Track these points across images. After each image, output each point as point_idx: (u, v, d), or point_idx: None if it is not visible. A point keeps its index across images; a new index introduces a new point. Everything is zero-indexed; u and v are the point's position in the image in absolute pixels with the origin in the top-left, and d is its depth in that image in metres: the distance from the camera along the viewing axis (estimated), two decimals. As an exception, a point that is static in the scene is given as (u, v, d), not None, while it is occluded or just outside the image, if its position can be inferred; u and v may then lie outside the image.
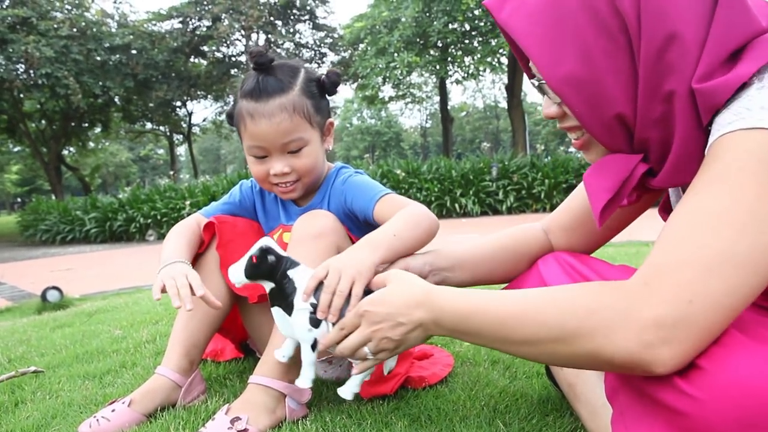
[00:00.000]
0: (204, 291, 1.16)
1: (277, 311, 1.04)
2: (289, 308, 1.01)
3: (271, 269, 1.01)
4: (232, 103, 1.38)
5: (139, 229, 11.52)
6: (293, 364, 1.15)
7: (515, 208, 10.85)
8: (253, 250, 1.02)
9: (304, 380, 1.04)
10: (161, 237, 10.74)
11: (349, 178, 1.40)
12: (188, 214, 11.17)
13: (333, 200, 1.41)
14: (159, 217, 11.37)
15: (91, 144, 27.23)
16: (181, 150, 43.52)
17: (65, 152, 25.03)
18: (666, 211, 0.96)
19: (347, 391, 1.03)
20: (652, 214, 1.09)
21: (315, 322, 1.00)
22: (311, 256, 1.22)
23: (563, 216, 1.21)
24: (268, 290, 1.04)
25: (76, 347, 1.86)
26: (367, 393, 1.25)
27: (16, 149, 28.95)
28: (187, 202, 11.15)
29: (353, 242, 1.31)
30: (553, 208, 10.99)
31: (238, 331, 1.55)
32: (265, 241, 1.03)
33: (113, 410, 1.20)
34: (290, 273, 1.01)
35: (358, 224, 1.38)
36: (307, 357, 1.03)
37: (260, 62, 1.29)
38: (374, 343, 0.91)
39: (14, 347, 1.95)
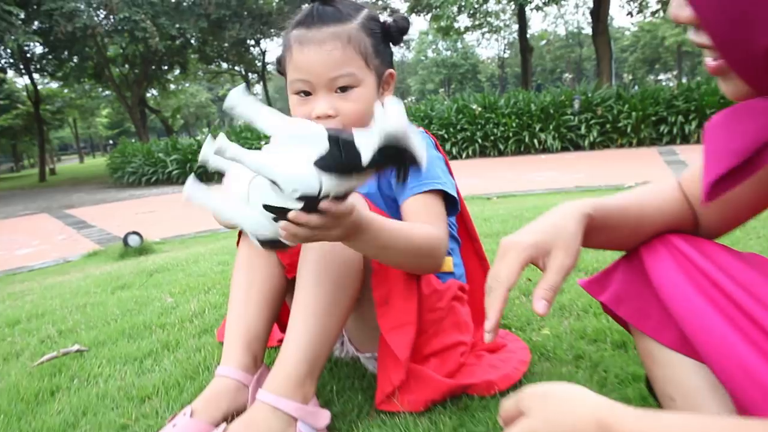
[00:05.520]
0: None
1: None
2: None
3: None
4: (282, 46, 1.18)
5: (218, 170, 11.73)
6: (307, 377, 0.99)
7: (599, 143, 10.21)
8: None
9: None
10: (238, 178, 10.95)
11: None
12: (262, 156, 11.44)
13: None
14: (236, 159, 11.53)
15: (172, 86, 27.99)
16: (258, 89, 44.13)
17: (148, 95, 25.88)
18: None
19: None
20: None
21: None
22: (326, 247, 1.04)
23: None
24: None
25: (125, 320, 1.81)
26: (416, 402, 1.06)
27: (105, 93, 30.21)
28: (263, 143, 11.13)
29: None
30: (640, 142, 10.34)
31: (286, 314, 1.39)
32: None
33: (174, 425, 1.01)
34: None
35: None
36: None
37: None
38: None
39: (69, 315, 1.94)
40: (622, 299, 0.90)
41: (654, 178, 5.71)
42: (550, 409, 0.61)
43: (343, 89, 1.09)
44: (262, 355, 1.15)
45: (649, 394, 1.04)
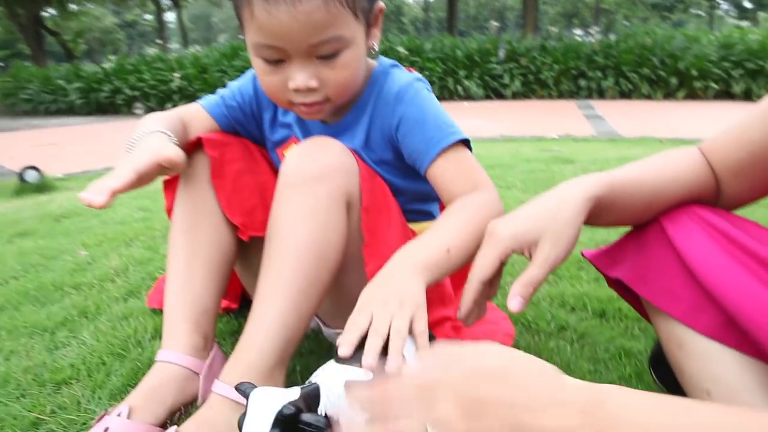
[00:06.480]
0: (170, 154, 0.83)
1: None
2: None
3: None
4: None
5: (126, 101, 10.93)
6: (276, 367, 0.82)
7: (520, 94, 10.34)
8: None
9: None
10: (149, 112, 10.26)
11: (407, 95, 0.94)
12: (177, 88, 10.52)
13: (377, 119, 0.97)
14: (147, 90, 10.74)
15: (73, 6, 25.55)
16: (171, 16, 41.36)
17: (45, 14, 23.51)
18: None
19: None
20: None
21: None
22: (307, 207, 0.84)
23: (736, 152, 0.78)
24: None
25: (28, 278, 1.54)
26: None
27: (-8, 9, 27.24)
28: (176, 75, 10.49)
29: (373, 180, 0.93)
30: (560, 95, 10.54)
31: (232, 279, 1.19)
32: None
33: (106, 429, 0.79)
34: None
35: (400, 159, 0.98)
36: None
37: None
38: None
39: (-42, 270, 1.62)
40: (643, 277, 0.79)
41: (574, 130, 5.84)
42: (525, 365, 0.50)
43: (328, 55, 0.84)
44: (213, 334, 0.97)
45: (653, 379, 0.95)
